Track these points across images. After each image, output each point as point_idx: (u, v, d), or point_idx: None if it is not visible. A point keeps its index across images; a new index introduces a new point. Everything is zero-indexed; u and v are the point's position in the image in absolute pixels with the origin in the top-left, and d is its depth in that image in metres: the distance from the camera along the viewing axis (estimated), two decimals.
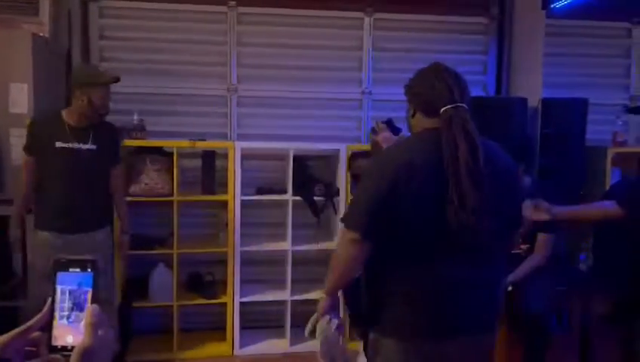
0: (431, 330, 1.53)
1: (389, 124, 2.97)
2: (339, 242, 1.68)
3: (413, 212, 1.45)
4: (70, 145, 2.67)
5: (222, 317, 3.60)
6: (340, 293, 1.78)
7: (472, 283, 1.50)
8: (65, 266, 0.76)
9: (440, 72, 1.57)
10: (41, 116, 2.92)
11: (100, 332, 0.71)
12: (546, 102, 3.69)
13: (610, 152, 3.56)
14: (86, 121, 2.71)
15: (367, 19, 3.94)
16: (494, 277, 1.59)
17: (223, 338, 3.58)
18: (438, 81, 1.55)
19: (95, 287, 0.76)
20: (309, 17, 3.90)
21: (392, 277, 1.54)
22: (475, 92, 3.99)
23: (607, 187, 3.43)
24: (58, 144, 2.65)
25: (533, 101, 3.70)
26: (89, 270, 0.76)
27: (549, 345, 2.77)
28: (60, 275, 0.76)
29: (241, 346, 3.57)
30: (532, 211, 2.47)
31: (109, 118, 2.92)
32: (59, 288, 0.75)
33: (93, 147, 2.72)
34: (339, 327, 1.77)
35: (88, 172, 2.73)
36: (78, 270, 0.76)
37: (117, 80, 2.78)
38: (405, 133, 3.17)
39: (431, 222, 1.45)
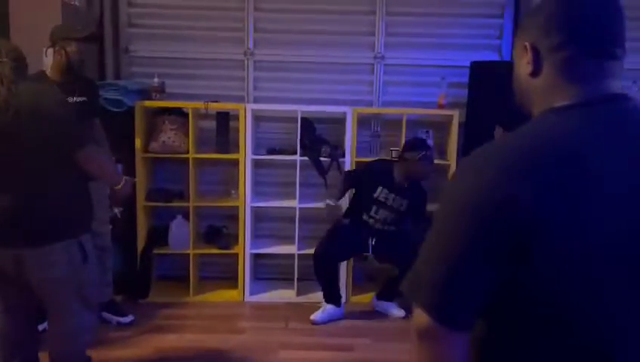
0: None
1: None
2: None
3: None
4: None
5: (235, 267, 3.89)
6: None
7: None
8: None
9: None
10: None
11: None
12: None
13: None
14: (68, 76, 2.82)
15: None
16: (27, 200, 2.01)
17: (235, 286, 3.88)
18: None
19: None
20: None
21: None
22: (491, 57, 4.01)
23: None
24: None
25: None
26: None
27: None
28: None
29: (251, 294, 3.87)
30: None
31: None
32: None
33: (83, 98, 2.89)
34: None
35: None
36: None
37: (92, 35, 2.89)
38: None
39: None
